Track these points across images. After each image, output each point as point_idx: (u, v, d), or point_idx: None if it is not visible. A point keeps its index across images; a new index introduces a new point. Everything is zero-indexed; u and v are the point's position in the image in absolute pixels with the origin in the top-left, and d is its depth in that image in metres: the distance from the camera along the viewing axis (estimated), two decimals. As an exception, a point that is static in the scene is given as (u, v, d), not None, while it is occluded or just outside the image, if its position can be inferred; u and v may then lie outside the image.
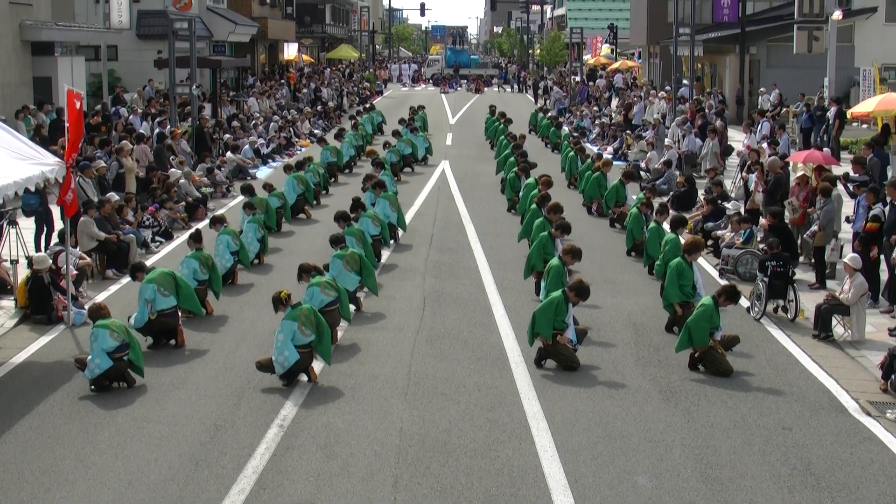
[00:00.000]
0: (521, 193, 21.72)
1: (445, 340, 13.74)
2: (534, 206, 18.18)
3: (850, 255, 14.46)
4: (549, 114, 40.32)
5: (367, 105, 45.59)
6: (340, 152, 29.16)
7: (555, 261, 14.10)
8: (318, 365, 12.18)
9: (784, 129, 28.14)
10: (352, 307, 14.49)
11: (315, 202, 23.85)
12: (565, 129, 36.53)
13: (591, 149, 31.76)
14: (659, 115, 34.70)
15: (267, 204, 20.07)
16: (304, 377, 11.97)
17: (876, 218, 15.28)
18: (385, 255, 18.32)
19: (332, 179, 27.37)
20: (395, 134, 31.53)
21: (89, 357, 11.70)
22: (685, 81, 39.35)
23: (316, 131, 38.12)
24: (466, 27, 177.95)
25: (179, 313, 13.66)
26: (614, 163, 25.89)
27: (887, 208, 15.36)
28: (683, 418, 11.06)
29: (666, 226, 16.97)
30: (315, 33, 76.37)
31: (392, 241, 19.28)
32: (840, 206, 17.42)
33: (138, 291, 13.39)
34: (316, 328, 11.97)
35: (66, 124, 14.27)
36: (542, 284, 14.09)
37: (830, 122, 29.79)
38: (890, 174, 22.39)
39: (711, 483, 9.50)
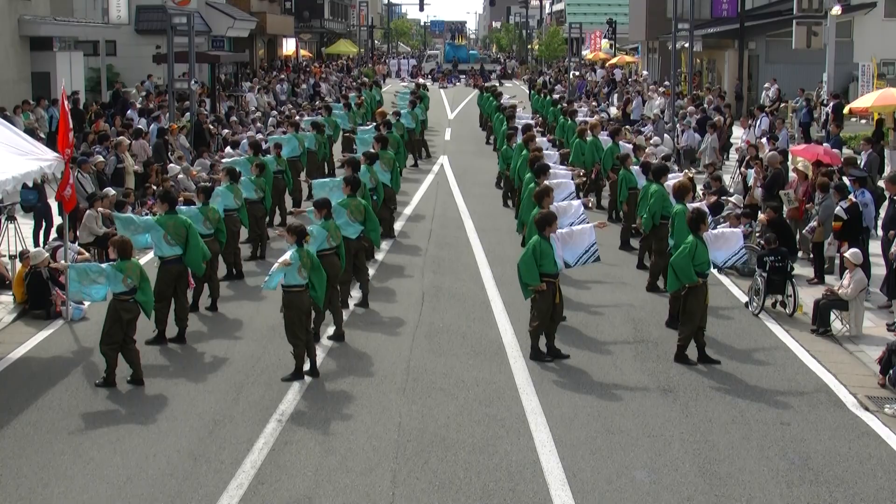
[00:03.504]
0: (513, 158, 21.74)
1: (444, 336, 13.74)
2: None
3: (850, 251, 14.45)
4: (554, 96, 39.86)
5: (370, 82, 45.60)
6: (337, 125, 28.98)
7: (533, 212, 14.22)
8: (319, 359, 12.21)
9: (783, 124, 28.12)
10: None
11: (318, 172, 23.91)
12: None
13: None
14: (658, 111, 34.64)
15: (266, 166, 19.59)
16: (307, 378, 11.99)
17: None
18: (383, 251, 18.31)
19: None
20: (412, 104, 31.28)
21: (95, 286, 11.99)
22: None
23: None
24: (465, 22, 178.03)
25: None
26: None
27: (885, 203, 15.36)
28: (682, 413, 11.07)
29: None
30: (314, 28, 76.26)
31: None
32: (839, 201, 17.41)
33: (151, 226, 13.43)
34: (310, 273, 11.97)
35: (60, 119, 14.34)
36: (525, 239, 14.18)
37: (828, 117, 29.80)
38: (888, 169, 22.42)
39: (710, 478, 9.51)
